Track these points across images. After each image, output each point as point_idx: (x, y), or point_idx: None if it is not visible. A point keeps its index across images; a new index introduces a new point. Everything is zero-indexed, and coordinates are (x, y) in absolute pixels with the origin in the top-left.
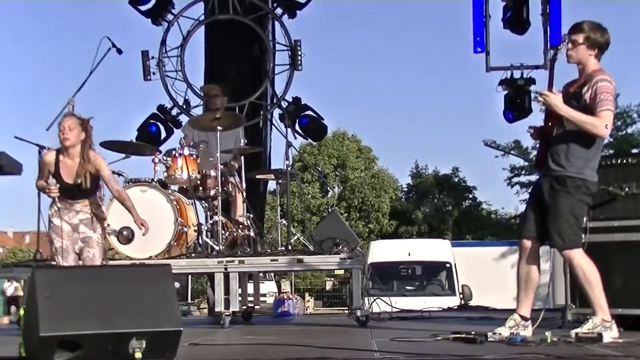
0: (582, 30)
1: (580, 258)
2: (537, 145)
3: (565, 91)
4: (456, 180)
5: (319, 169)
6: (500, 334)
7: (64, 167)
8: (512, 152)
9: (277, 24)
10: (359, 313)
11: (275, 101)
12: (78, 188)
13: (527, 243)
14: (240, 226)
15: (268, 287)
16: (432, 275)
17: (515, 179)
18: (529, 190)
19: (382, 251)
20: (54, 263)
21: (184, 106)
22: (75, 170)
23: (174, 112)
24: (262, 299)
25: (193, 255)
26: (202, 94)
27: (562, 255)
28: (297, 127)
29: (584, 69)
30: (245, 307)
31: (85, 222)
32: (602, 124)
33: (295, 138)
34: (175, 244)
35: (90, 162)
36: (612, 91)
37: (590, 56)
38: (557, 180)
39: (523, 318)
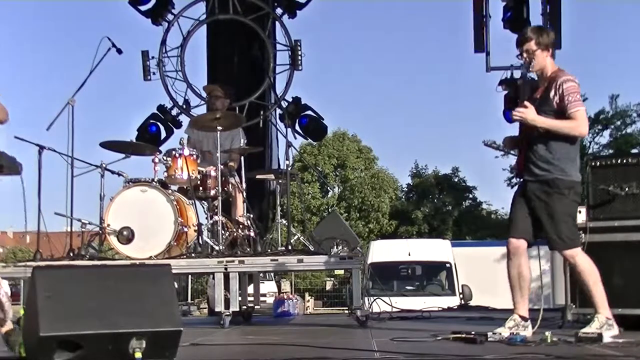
0: (530, 38)
1: (581, 256)
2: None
3: (530, 98)
4: (456, 180)
5: (319, 169)
6: (500, 334)
7: None
8: (512, 152)
9: (277, 24)
10: (359, 313)
11: (275, 101)
12: None
13: (516, 243)
14: (240, 226)
15: (268, 287)
16: (432, 275)
17: (515, 179)
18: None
19: (382, 251)
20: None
21: (184, 106)
22: None
23: (174, 112)
24: (262, 299)
25: (193, 255)
26: (202, 94)
27: (563, 255)
28: (297, 127)
29: (543, 72)
30: (245, 307)
31: None
32: (579, 125)
33: (295, 138)
34: (175, 244)
35: None
36: (578, 89)
37: (546, 57)
38: (547, 184)
39: (522, 318)
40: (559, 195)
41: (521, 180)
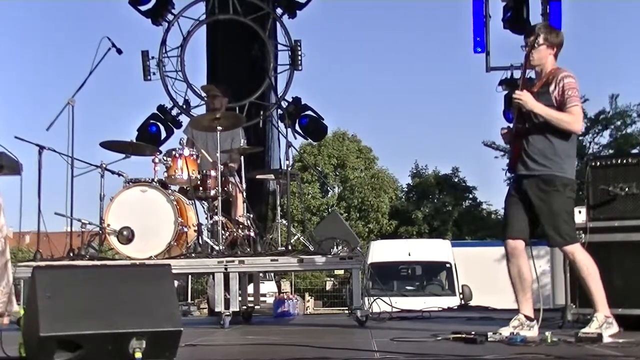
0: (539, 33)
1: (581, 253)
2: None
3: (529, 91)
4: (456, 180)
5: (319, 169)
6: (501, 334)
7: None
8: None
9: (277, 24)
10: (359, 313)
11: (275, 101)
12: None
13: (513, 243)
14: (240, 226)
15: (268, 287)
16: (432, 275)
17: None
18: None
19: (382, 251)
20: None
21: (184, 106)
22: None
23: (174, 112)
24: (262, 299)
25: (193, 255)
26: (202, 94)
27: (563, 252)
28: (297, 127)
29: (543, 68)
30: (245, 307)
31: None
32: (576, 120)
33: (295, 138)
34: (175, 244)
35: None
36: (577, 87)
37: (549, 55)
38: (543, 180)
39: (528, 318)
40: (556, 192)
41: (513, 176)
